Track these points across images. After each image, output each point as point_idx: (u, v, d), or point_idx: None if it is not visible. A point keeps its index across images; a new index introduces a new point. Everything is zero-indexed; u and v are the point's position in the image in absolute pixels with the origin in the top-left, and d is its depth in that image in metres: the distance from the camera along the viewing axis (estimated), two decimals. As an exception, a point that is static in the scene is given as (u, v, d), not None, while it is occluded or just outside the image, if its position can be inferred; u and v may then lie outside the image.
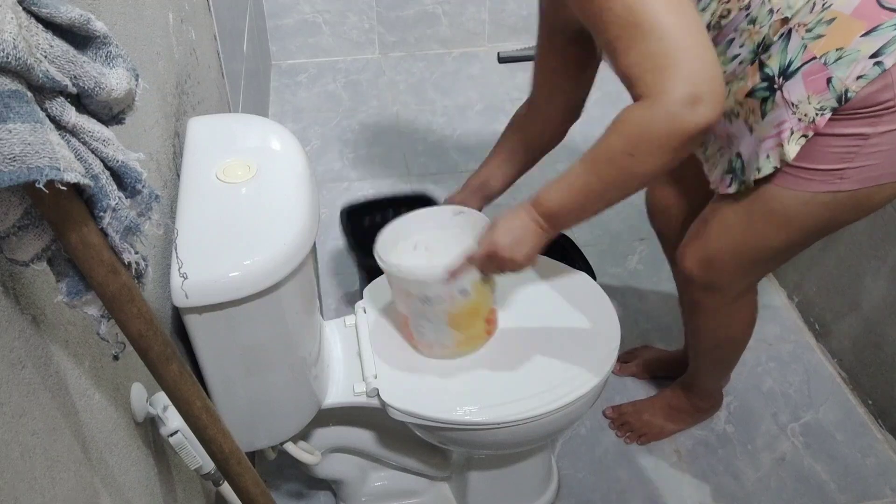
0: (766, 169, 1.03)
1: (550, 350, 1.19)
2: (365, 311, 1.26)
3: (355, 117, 2.57)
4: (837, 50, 0.93)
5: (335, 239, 2.09)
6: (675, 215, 1.43)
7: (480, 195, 1.39)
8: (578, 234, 2.07)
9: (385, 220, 1.29)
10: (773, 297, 1.90)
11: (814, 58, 0.95)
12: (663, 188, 1.44)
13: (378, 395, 1.13)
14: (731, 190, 1.12)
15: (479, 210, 1.34)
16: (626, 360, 1.73)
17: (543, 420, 1.11)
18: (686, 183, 1.38)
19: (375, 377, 1.15)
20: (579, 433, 1.61)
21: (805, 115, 0.97)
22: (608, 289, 1.32)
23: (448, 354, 1.16)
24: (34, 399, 0.62)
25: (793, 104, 0.98)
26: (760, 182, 1.07)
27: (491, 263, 1.04)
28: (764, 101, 1.01)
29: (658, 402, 1.60)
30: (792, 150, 1.00)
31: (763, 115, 1.02)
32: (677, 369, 1.64)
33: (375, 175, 2.33)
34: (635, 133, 0.86)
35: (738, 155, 1.10)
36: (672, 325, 1.82)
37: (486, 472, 1.35)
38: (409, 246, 1.20)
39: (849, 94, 0.94)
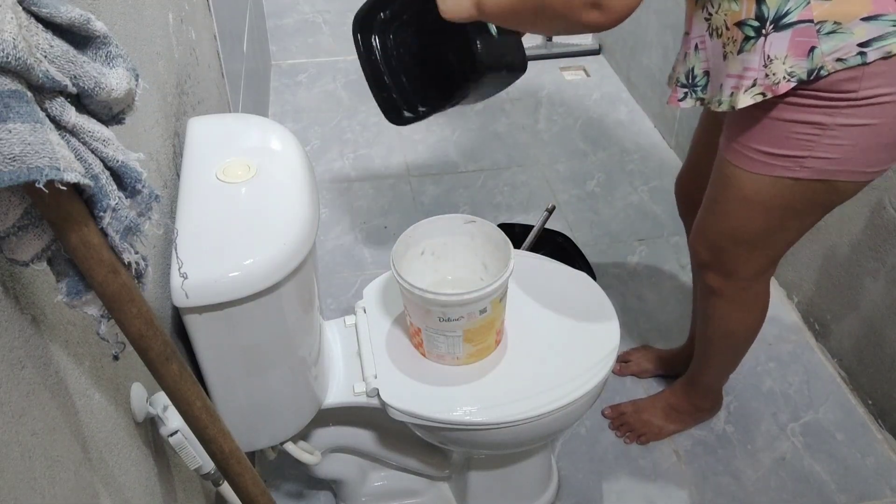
0: (724, 106, 1.05)
1: (550, 350, 1.19)
2: (365, 311, 1.26)
3: (355, 117, 2.57)
4: (835, 23, 0.93)
5: (335, 239, 2.10)
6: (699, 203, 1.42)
7: None
8: (578, 235, 2.07)
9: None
10: (773, 297, 1.90)
11: (810, 20, 0.94)
12: (689, 178, 1.44)
13: (378, 395, 1.13)
14: (684, 104, 1.14)
15: None
16: (626, 359, 1.73)
17: (543, 420, 1.11)
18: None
19: (375, 377, 1.15)
20: (579, 433, 1.61)
21: (773, 74, 0.98)
22: (608, 289, 1.32)
23: (456, 364, 1.17)
24: (34, 399, 0.62)
25: (768, 56, 0.98)
26: (729, 163, 1.11)
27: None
28: (747, 38, 1.00)
29: (658, 401, 1.60)
30: (744, 100, 1.01)
31: (739, 51, 1.02)
32: (677, 367, 1.64)
33: (375, 175, 2.33)
34: (540, 3, 0.96)
35: (706, 73, 1.10)
36: (672, 325, 1.83)
37: (486, 472, 1.35)
38: (417, 252, 1.20)
39: (821, 72, 0.94)
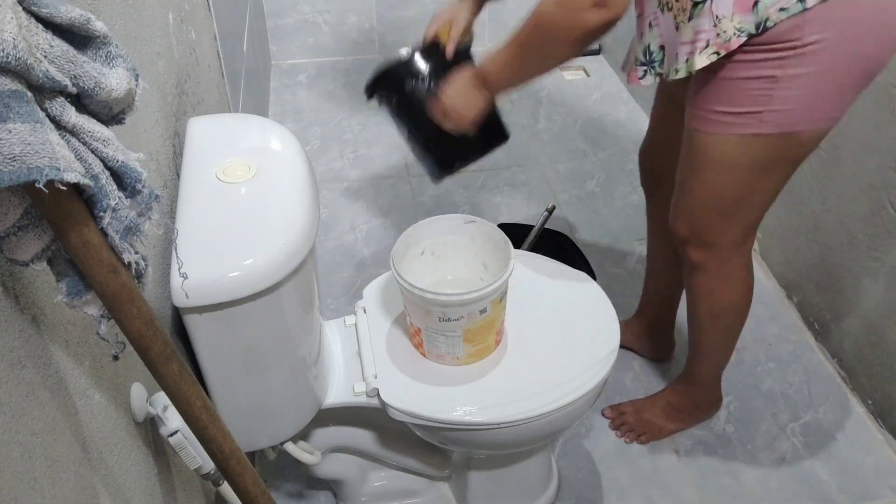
0: (682, 72, 1.08)
1: (550, 350, 1.19)
2: (365, 311, 1.26)
3: (355, 117, 2.57)
4: None
5: (335, 239, 2.10)
6: (667, 178, 1.44)
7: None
8: (578, 235, 2.07)
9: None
10: (772, 297, 1.90)
11: None
12: (650, 150, 1.50)
13: (378, 395, 1.13)
14: (644, 82, 1.18)
15: (478, 12, 1.39)
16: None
17: (543, 420, 1.11)
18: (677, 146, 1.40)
19: (375, 377, 1.15)
20: (579, 433, 1.61)
21: (724, 32, 1.02)
22: (608, 289, 1.32)
23: (456, 364, 1.17)
24: (34, 399, 0.62)
25: (717, 17, 1.02)
26: (692, 128, 1.14)
27: (445, 119, 1.19)
28: (696, 4, 1.04)
29: (658, 401, 1.60)
30: (700, 61, 1.04)
31: (690, 18, 1.06)
32: (666, 333, 1.71)
33: (375, 175, 2.33)
34: (546, 27, 1.01)
35: (662, 47, 1.14)
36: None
37: (486, 472, 1.35)
38: (417, 252, 1.20)
39: (767, 24, 0.98)
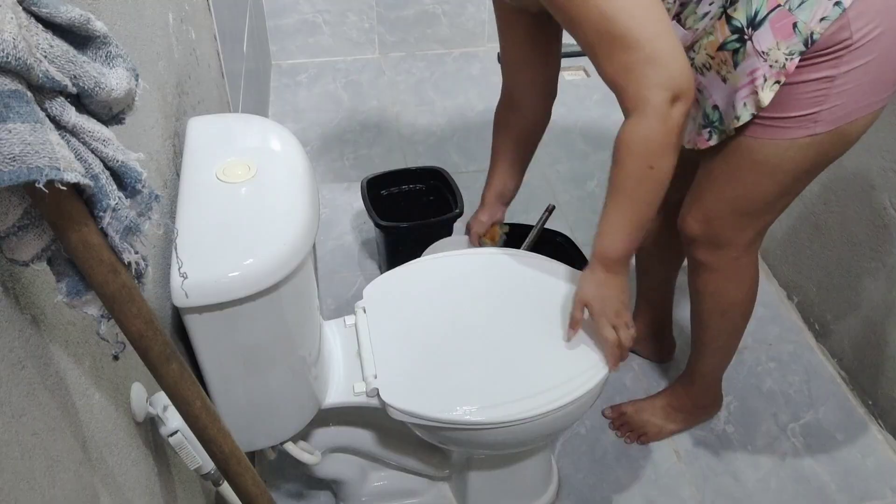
0: (745, 117, 1.08)
1: (550, 350, 1.19)
2: (365, 311, 1.26)
3: (355, 117, 2.57)
4: None
5: (335, 239, 2.09)
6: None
7: (500, 204, 1.53)
8: (578, 235, 2.07)
9: (399, 191, 1.54)
10: (773, 297, 1.90)
11: (778, 5, 1.00)
12: None
13: (378, 395, 1.13)
14: (712, 142, 1.17)
15: (503, 214, 1.53)
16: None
17: (543, 420, 1.11)
18: None
19: (375, 377, 1.15)
20: (579, 433, 1.61)
21: (776, 62, 1.02)
22: (608, 289, 1.31)
23: None
24: (34, 399, 0.62)
25: (763, 52, 1.03)
26: (741, 132, 1.12)
27: (601, 328, 1.14)
28: (735, 52, 1.06)
29: (658, 401, 1.60)
30: (766, 96, 1.05)
31: (735, 66, 1.07)
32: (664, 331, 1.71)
33: (375, 175, 2.33)
34: (643, 148, 0.99)
35: (715, 107, 1.14)
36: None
37: (486, 471, 1.35)
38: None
39: (814, 37, 0.99)
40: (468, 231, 1.56)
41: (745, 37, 1.04)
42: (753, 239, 1.27)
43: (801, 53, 1.00)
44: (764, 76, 1.04)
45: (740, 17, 1.04)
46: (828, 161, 1.14)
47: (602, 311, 1.13)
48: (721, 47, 1.08)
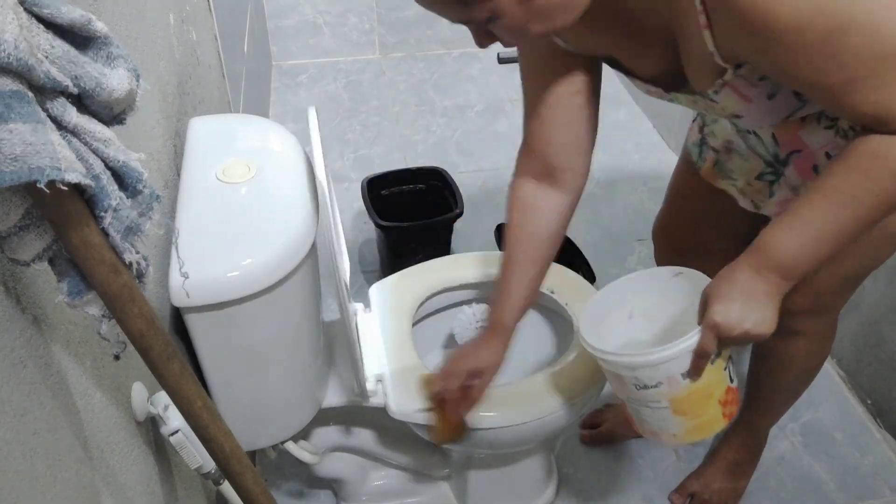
0: None
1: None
2: (365, 311, 1.26)
3: (355, 117, 2.57)
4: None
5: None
6: (693, 254, 1.25)
7: (499, 342, 1.10)
8: (578, 235, 2.07)
9: (399, 191, 1.39)
10: (772, 297, 1.90)
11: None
12: (674, 225, 1.33)
13: (378, 394, 1.13)
14: None
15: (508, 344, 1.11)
16: (595, 423, 1.59)
17: (543, 420, 1.11)
18: (702, 220, 1.29)
19: (376, 377, 1.15)
20: (579, 433, 1.61)
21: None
22: (608, 289, 1.31)
23: (678, 443, 1.01)
24: (35, 399, 0.62)
25: (793, 187, 1.03)
26: None
27: (723, 344, 0.87)
28: (771, 183, 1.06)
29: (719, 464, 1.47)
30: None
31: (770, 195, 1.07)
32: None
33: (376, 175, 2.33)
34: (854, 178, 0.77)
35: None
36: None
37: (485, 471, 1.35)
38: (623, 315, 1.02)
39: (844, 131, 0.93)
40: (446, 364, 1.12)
41: (779, 171, 1.03)
42: (849, 297, 1.19)
43: (847, 136, 0.91)
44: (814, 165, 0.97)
45: (764, 154, 1.02)
46: None
47: (742, 329, 0.84)
48: (759, 176, 1.07)
